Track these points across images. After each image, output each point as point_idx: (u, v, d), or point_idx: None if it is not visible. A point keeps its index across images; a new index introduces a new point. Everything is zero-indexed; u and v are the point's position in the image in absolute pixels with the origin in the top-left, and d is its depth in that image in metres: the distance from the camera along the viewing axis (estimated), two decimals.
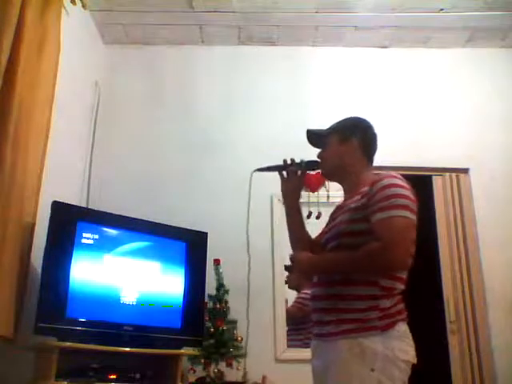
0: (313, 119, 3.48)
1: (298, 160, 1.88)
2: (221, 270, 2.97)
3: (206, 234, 2.92)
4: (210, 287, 2.92)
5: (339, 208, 1.76)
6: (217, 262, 2.97)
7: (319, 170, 1.83)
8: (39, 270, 2.37)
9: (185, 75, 3.70)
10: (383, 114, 3.52)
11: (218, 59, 3.73)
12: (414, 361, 1.51)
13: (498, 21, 3.42)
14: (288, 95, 3.61)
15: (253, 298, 3.09)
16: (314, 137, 1.85)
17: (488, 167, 3.42)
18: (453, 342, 3.12)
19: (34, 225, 2.39)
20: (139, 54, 3.75)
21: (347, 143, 1.73)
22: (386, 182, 1.54)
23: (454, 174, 3.45)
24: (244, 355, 2.83)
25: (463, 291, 3.19)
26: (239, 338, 2.86)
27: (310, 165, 1.85)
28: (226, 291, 2.94)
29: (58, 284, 2.36)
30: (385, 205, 1.48)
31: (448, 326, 3.15)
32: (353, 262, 1.52)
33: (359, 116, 1.84)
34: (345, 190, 1.79)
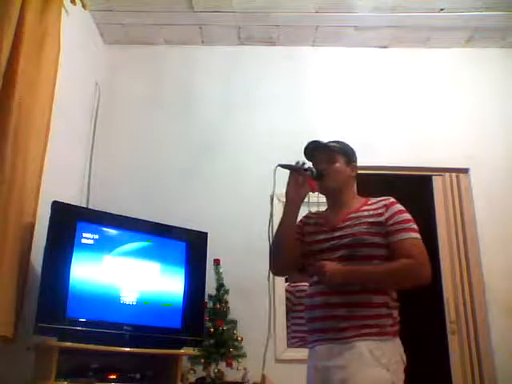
0: (313, 119, 3.49)
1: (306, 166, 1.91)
2: (221, 270, 2.96)
3: (206, 233, 2.92)
4: (210, 287, 2.92)
5: (329, 220, 1.88)
6: (217, 262, 2.97)
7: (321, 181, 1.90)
8: (39, 269, 2.37)
9: (185, 75, 3.70)
10: (383, 114, 3.52)
11: (218, 59, 3.73)
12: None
13: (498, 21, 3.42)
14: (288, 95, 3.61)
15: (253, 298, 3.09)
16: (315, 149, 1.92)
17: (488, 167, 3.42)
18: (453, 342, 3.12)
19: (33, 225, 2.39)
20: (139, 54, 3.75)
21: (351, 166, 1.93)
22: (398, 207, 1.80)
23: (453, 174, 3.45)
24: (244, 355, 2.83)
25: (463, 291, 3.19)
26: (239, 338, 2.85)
27: (319, 174, 1.90)
28: (226, 291, 2.94)
29: (58, 284, 2.36)
30: (406, 227, 1.75)
31: (448, 326, 3.15)
32: (390, 274, 1.71)
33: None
34: (333, 205, 1.93)
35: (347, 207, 1.87)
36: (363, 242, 1.74)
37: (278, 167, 1.90)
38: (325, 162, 1.90)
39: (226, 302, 2.92)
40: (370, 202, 1.86)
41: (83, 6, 2.99)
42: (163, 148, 3.50)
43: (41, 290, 2.29)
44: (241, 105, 3.61)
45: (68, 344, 2.25)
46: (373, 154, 3.22)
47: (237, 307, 2.98)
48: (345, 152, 1.94)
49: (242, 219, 3.25)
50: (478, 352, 3.07)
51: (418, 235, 1.75)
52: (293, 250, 1.90)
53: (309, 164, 1.92)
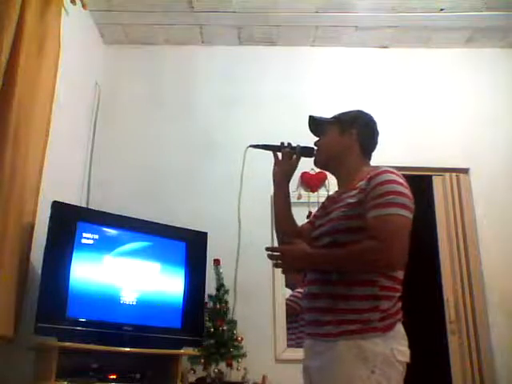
0: None
1: (295, 145, 1.89)
2: (221, 270, 2.96)
3: (206, 233, 2.92)
4: (210, 287, 2.92)
5: (333, 201, 1.73)
6: (217, 262, 2.97)
7: (313, 158, 1.82)
8: (39, 270, 2.37)
9: (185, 75, 3.70)
10: (383, 114, 3.48)
11: (218, 59, 3.73)
12: (409, 361, 1.51)
13: (498, 21, 3.42)
14: (288, 95, 3.61)
15: (253, 298, 3.09)
16: (314, 124, 1.85)
17: (488, 167, 3.42)
18: (453, 342, 3.12)
19: (33, 225, 2.40)
20: (139, 54, 3.75)
21: (345, 134, 1.72)
22: (383, 177, 1.52)
23: (453, 174, 3.45)
24: (244, 355, 2.83)
25: (463, 291, 3.19)
26: (239, 338, 2.85)
27: (305, 151, 1.85)
28: (226, 291, 2.94)
29: (58, 284, 2.36)
30: (381, 202, 1.47)
31: (448, 326, 3.15)
32: (347, 258, 1.50)
33: (364, 110, 1.83)
34: (339, 182, 1.79)
35: (347, 184, 1.67)
36: (339, 227, 1.56)
37: (249, 148, 1.94)
38: (320, 137, 1.80)
39: (226, 302, 2.92)
40: (367, 176, 1.57)
41: (83, 6, 2.99)
42: (163, 148, 3.50)
43: (41, 290, 2.29)
44: (241, 105, 3.60)
45: (68, 344, 2.25)
46: (373, 153, 3.22)
47: (237, 307, 2.98)
48: (337, 120, 1.76)
49: (242, 219, 3.25)
50: (477, 352, 3.07)
51: (396, 210, 1.44)
52: (286, 226, 1.86)
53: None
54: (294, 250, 1.60)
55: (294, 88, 3.63)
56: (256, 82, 3.66)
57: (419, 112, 3.58)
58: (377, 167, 1.62)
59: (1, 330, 2.09)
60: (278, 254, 1.57)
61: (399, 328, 1.52)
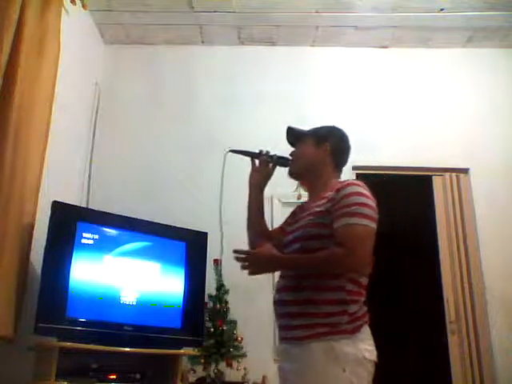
0: (313, 119, 3.48)
1: (272, 153, 1.94)
2: (222, 272, 2.96)
3: (206, 233, 2.92)
4: (210, 287, 2.92)
5: (303, 209, 1.81)
6: (217, 262, 2.97)
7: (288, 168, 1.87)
8: (39, 270, 2.37)
9: (185, 75, 3.70)
10: (383, 114, 3.52)
11: (218, 59, 3.73)
12: (377, 360, 1.57)
13: (498, 21, 3.42)
14: (288, 95, 3.61)
15: (253, 298, 3.09)
16: (292, 135, 1.92)
17: (488, 167, 3.42)
18: (453, 342, 3.12)
19: (33, 225, 2.40)
20: (139, 54, 3.75)
21: (321, 147, 1.80)
22: (349, 189, 1.61)
23: (453, 174, 3.45)
24: (244, 355, 2.83)
25: (463, 291, 3.19)
26: (239, 338, 2.85)
27: (281, 160, 1.90)
28: (226, 291, 2.94)
29: (58, 284, 2.36)
30: (347, 211, 1.56)
31: (448, 326, 3.15)
32: (313, 264, 1.59)
33: (337, 126, 1.89)
34: (310, 192, 1.86)
35: (317, 194, 1.74)
36: (308, 234, 1.64)
37: (229, 153, 1.98)
38: (296, 148, 1.88)
39: (226, 302, 2.92)
40: (335, 188, 1.66)
41: (83, 6, 3.00)
42: (163, 148, 3.50)
43: (41, 290, 2.29)
44: (240, 105, 3.61)
45: (68, 344, 2.25)
46: (373, 154, 3.22)
47: (237, 307, 2.98)
48: (314, 133, 1.84)
49: (242, 219, 3.25)
50: (477, 352, 3.07)
51: (361, 220, 1.54)
52: (257, 228, 1.92)
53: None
54: (261, 253, 1.66)
55: (294, 88, 3.63)
56: (256, 81, 3.66)
57: (419, 112, 3.58)
58: (346, 180, 1.70)
59: (1, 330, 2.09)
60: (244, 256, 1.62)
61: (366, 330, 1.60)
